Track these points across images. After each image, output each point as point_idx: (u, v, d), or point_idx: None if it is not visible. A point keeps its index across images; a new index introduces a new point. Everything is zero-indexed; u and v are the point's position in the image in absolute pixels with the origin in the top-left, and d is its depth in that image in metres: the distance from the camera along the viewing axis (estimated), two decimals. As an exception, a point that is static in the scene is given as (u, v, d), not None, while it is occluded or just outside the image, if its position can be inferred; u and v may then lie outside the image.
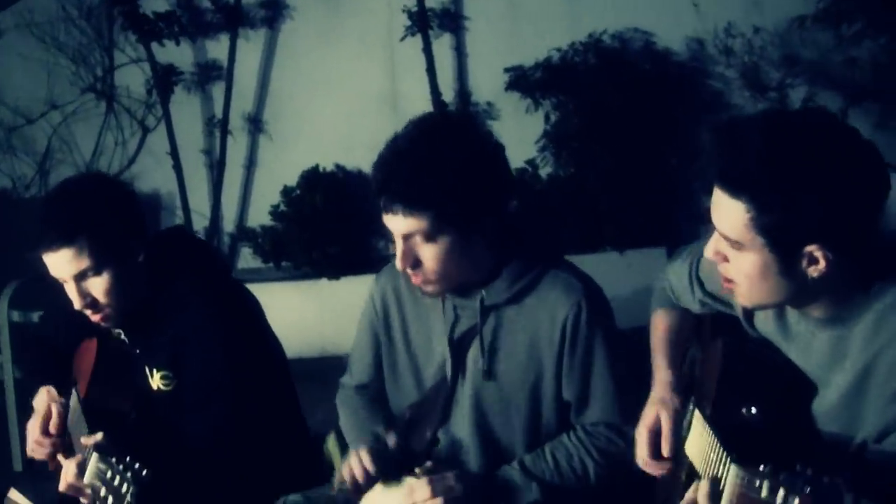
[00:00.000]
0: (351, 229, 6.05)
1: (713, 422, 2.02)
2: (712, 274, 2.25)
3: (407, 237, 2.38)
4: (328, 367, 2.98)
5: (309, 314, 5.74)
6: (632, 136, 5.81)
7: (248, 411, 2.65)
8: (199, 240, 2.98)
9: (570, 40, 5.93)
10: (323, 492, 2.68)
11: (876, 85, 5.59)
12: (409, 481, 2.49)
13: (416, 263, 2.41)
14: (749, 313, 2.15)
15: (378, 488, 2.53)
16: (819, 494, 1.64)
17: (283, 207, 6.03)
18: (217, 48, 6.29)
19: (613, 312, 2.53)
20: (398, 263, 2.41)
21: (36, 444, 2.83)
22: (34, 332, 3.16)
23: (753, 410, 1.99)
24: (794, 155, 1.82)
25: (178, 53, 6.19)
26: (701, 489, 1.86)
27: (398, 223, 2.36)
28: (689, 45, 6.01)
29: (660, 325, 2.44)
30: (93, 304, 2.64)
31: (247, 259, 6.30)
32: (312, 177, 6.05)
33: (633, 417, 2.38)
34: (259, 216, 6.23)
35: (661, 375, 2.35)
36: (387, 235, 6.46)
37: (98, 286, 2.62)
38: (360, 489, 2.53)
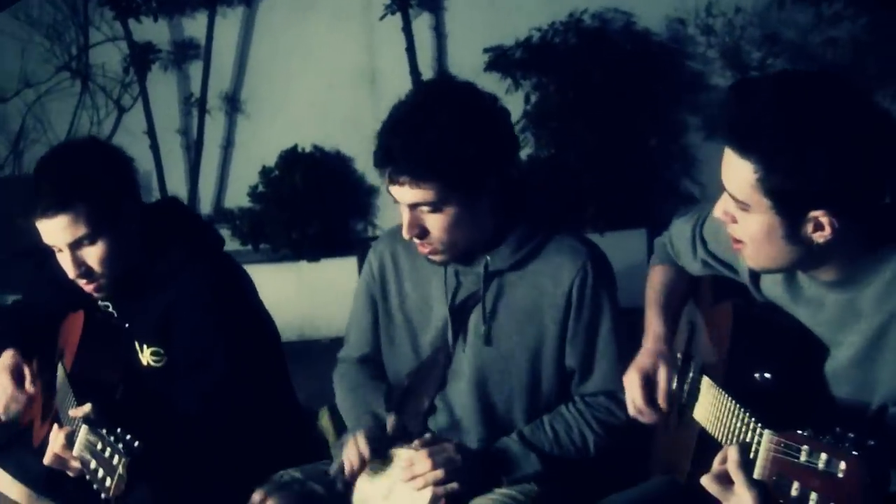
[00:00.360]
0: (330, 210, 6.01)
1: (731, 388, 2.00)
2: (718, 234, 2.25)
3: (413, 207, 2.36)
4: (307, 350, 2.97)
5: (288, 296, 5.69)
6: (612, 117, 5.80)
7: (239, 383, 2.62)
8: (193, 212, 2.94)
9: (550, 20, 5.89)
10: (319, 467, 2.67)
11: (856, 65, 5.58)
12: (408, 454, 2.47)
13: (424, 232, 2.40)
14: (756, 276, 2.14)
15: (374, 464, 2.52)
16: (867, 457, 1.60)
17: (261, 188, 5.98)
18: (194, 26, 6.22)
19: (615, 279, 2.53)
20: (405, 233, 2.40)
21: (10, 400, 2.79)
22: (13, 305, 3.10)
23: (767, 376, 1.97)
24: (806, 117, 1.81)
25: (154, 31, 6.12)
26: (730, 457, 1.83)
27: (404, 194, 2.35)
28: (670, 24, 5.97)
29: (656, 280, 2.43)
30: (88, 272, 2.60)
31: (225, 241, 6.24)
32: (291, 157, 6.00)
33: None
34: (237, 197, 6.18)
35: (655, 328, 2.34)
36: (366, 217, 6.41)
37: (94, 254, 2.59)
38: (356, 476, 2.51)
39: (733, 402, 1.96)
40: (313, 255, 5.85)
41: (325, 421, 3.29)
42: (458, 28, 6.18)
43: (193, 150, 6.19)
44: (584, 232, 5.72)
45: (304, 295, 5.78)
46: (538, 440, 2.50)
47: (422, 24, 6.10)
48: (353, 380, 2.74)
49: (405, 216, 2.39)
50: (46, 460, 2.52)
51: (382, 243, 2.70)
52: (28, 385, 2.79)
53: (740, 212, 1.93)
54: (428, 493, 2.47)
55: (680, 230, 2.40)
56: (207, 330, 2.63)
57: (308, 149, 6.08)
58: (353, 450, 2.51)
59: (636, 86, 5.84)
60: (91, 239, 2.57)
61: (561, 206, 5.79)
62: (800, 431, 1.70)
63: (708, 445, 2.10)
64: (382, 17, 5.91)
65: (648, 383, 2.28)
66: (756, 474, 1.77)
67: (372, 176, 6.26)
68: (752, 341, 2.08)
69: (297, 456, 2.73)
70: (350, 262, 5.88)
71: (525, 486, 2.50)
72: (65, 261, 2.61)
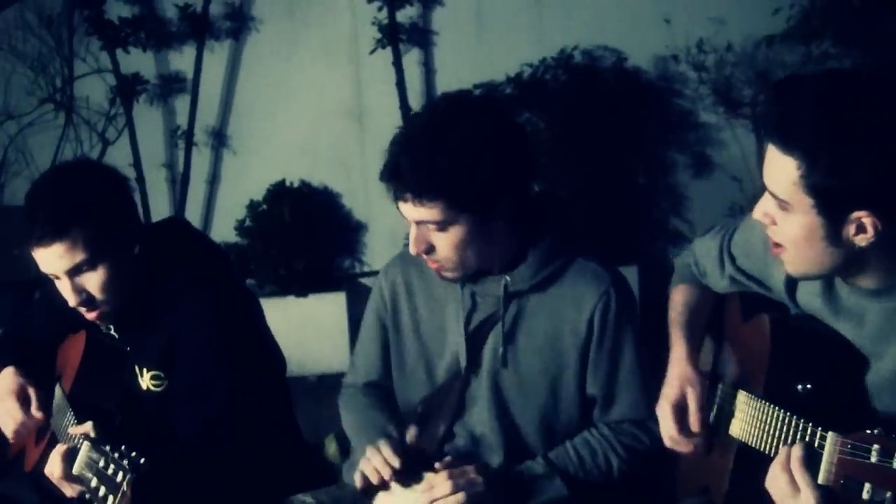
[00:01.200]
0: (318, 246, 5.96)
1: (773, 400, 1.95)
2: (747, 249, 2.20)
3: (419, 223, 2.31)
4: (294, 388, 2.89)
5: (274, 332, 5.61)
6: (602, 154, 5.80)
7: (241, 411, 2.54)
8: (199, 232, 2.85)
9: (540, 56, 5.89)
10: (331, 492, 2.59)
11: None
12: (429, 476, 2.40)
13: (430, 249, 2.34)
14: (792, 287, 2.09)
15: (395, 487, 2.44)
16: None
17: (248, 222, 5.91)
18: (180, 60, 6.17)
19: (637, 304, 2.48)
20: (411, 249, 2.34)
21: (19, 426, 2.69)
22: (6, 331, 3.01)
23: (809, 386, 1.92)
24: (852, 114, 1.77)
25: (140, 64, 6.07)
26: (794, 455, 1.78)
27: (409, 211, 2.29)
28: (659, 62, 5.99)
29: (678, 301, 2.37)
30: (88, 300, 2.51)
31: (233, 261, 6.16)
32: (279, 191, 5.94)
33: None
34: (223, 232, 6.09)
35: (681, 351, 2.27)
36: (354, 254, 6.39)
37: (93, 281, 2.50)
38: (383, 486, 2.43)
39: (782, 411, 1.91)
40: (301, 290, 5.78)
41: (332, 449, 3.21)
42: (448, 63, 6.15)
43: (179, 184, 6.11)
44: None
45: (291, 331, 5.66)
46: (563, 463, 2.43)
47: (411, 59, 6.08)
48: (360, 402, 2.66)
49: (412, 232, 2.34)
50: (47, 471, 2.42)
51: (394, 267, 2.63)
52: (35, 410, 2.69)
53: (781, 212, 1.88)
54: None
55: (705, 248, 2.35)
56: (210, 357, 2.55)
57: (296, 184, 6.02)
58: (377, 458, 2.42)
59: (626, 123, 5.85)
60: (90, 265, 2.48)
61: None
62: (869, 431, 1.66)
63: (747, 464, 2.05)
64: (373, 52, 5.89)
65: (680, 411, 2.22)
66: (821, 479, 1.72)
67: (360, 212, 6.22)
68: (791, 353, 2.03)
69: (303, 484, 2.66)
70: (338, 298, 5.82)
71: (550, 506, 2.44)
72: (64, 288, 2.52)
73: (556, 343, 2.42)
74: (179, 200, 6.16)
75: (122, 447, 2.23)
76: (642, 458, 2.41)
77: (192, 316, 2.55)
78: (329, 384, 4.63)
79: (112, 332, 2.71)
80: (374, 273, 5.60)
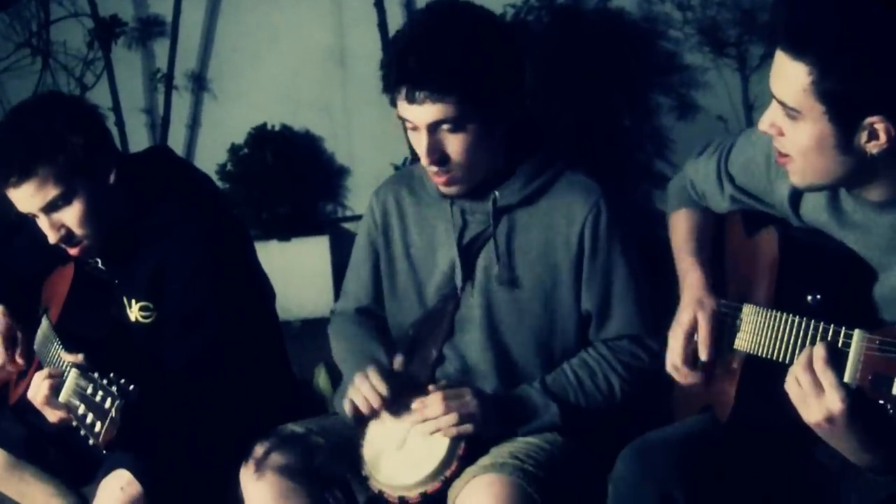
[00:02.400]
0: (300, 190, 5.90)
1: (783, 308, 1.93)
2: (746, 167, 2.17)
3: (433, 128, 2.28)
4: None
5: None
6: (586, 97, 5.74)
7: (232, 341, 2.52)
8: (184, 160, 2.81)
9: (523, -2, 5.82)
10: (322, 421, 2.57)
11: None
12: (421, 399, 2.38)
13: (443, 158, 2.32)
14: (796, 201, 2.06)
15: (385, 416, 2.42)
16: None
17: (229, 167, 5.84)
18: (159, 2, 6.06)
19: (635, 218, 2.46)
20: (424, 159, 2.32)
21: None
22: None
23: (819, 297, 1.91)
24: (865, 15, 1.75)
25: (118, 7, 5.94)
26: (817, 355, 1.76)
27: (423, 113, 2.27)
28: (643, 3, 5.92)
29: (683, 225, 2.35)
30: (68, 236, 2.47)
31: (220, 190, 6.09)
32: (261, 135, 5.87)
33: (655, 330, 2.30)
34: (204, 177, 6.03)
35: (693, 276, 2.25)
36: (336, 199, 6.31)
37: (71, 215, 2.45)
38: (373, 414, 2.41)
39: (797, 317, 1.89)
40: (284, 235, 5.73)
41: (321, 379, 3.19)
42: (431, 5, 6.06)
43: (160, 129, 6.03)
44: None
45: (274, 276, 5.54)
46: (560, 388, 2.41)
47: (393, 0, 6.00)
48: (350, 330, 2.64)
49: (424, 142, 2.31)
50: (30, 394, 2.39)
51: (385, 189, 2.62)
52: (18, 356, 2.66)
53: (790, 121, 1.86)
54: (445, 443, 2.38)
55: (702, 171, 2.32)
56: (200, 287, 2.52)
57: (278, 128, 5.95)
58: (365, 385, 2.39)
59: (610, 65, 5.77)
60: (65, 199, 2.44)
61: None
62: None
63: (755, 376, 2.04)
64: (355, -8, 5.81)
65: (691, 341, 2.20)
66: (847, 377, 1.71)
67: (342, 156, 6.16)
68: (799, 264, 2.02)
69: (293, 415, 2.64)
70: (322, 242, 5.77)
71: (548, 434, 2.42)
72: (43, 226, 2.48)
73: (549, 257, 2.40)
74: (160, 145, 6.06)
75: (112, 374, 2.21)
76: (643, 376, 2.40)
77: (180, 245, 2.52)
78: (313, 328, 4.60)
79: (99, 265, 2.67)
80: (358, 217, 5.55)
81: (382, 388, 2.38)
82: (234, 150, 5.85)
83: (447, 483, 2.35)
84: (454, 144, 2.31)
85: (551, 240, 2.39)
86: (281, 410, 2.63)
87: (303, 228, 5.82)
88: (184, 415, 2.44)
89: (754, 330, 2.03)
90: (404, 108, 2.30)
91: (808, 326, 1.87)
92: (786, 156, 1.92)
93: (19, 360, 2.67)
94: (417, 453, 2.40)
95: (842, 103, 1.78)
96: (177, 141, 6.12)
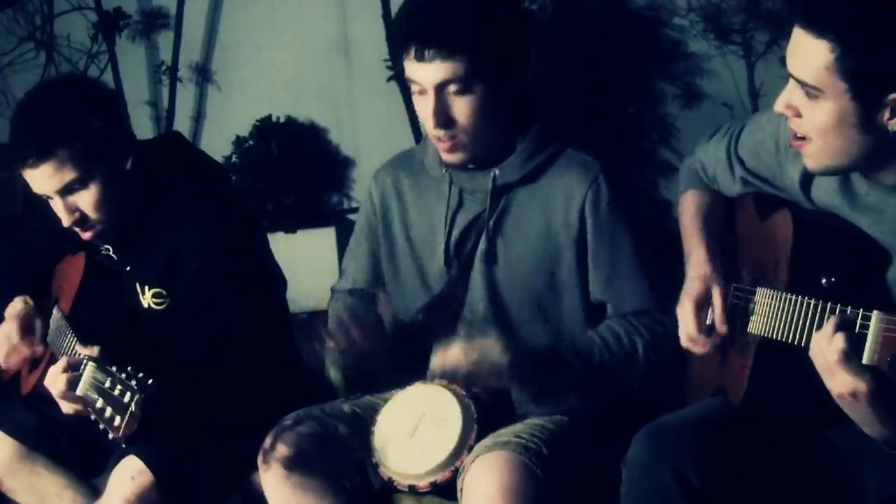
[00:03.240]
0: (306, 181, 5.89)
1: (797, 291, 1.93)
2: (756, 150, 2.17)
3: (440, 88, 2.29)
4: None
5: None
6: (590, 84, 5.71)
7: (244, 328, 2.52)
8: (196, 148, 2.81)
9: (527, -15, 5.81)
10: (337, 406, 2.57)
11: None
12: (443, 350, 2.36)
13: (449, 122, 2.32)
14: (807, 184, 2.05)
15: (395, 402, 2.42)
16: None
17: (235, 159, 5.83)
18: (162, -5, 6.07)
19: (637, 192, 2.46)
20: (430, 121, 2.32)
21: (12, 350, 2.65)
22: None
23: (833, 280, 1.90)
24: None
25: (121, 0, 5.93)
26: (835, 340, 1.74)
27: (432, 71, 2.29)
28: (648, -10, 5.92)
29: (690, 206, 2.35)
30: (82, 219, 2.47)
31: (231, 177, 6.08)
32: (266, 126, 5.85)
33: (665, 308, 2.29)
34: (209, 169, 6.02)
35: (697, 254, 2.25)
36: (342, 189, 6.28)
37: (86, 199, 2.45)
38: (347, 360, 2.39)
39: (813, 299, 1.88)
40: (290, 226, 5.72)
41: (333, 372, 3.19)
42: (435, -5, 6.05)
43: (165, 122, 6.02)
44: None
45: (281, 268, 5.64)
46: (586, 346, 2.39)
47: (397, -9, 6.00)
48: (345, 307, 2.64)
49: (430, 105, 2.32)
50: (47, 382, 2.38)
51: (384, 172, 2.64)
52: (37, 342, 2.65)
53: (809, 101, 1.84)
54: (457, 432, 2.38)
55: (712, 154, 2.32)
56: (212, 274, 2.52)
57: (283, 119, 5.95)
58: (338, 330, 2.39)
59: (614, 53, 5.74)
60: (81, 183, 2.45)
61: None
62: None
63: (769, 359, 2.03)
64: (358, -17, 5.80)
65: (702, 310, 2.19)
66: (866, 359, 1.70)
67: (347, 147, 6.15)
68: (813, 247, 2.01)
69: (304, 404, 2.63)
70: (328, 234, 5.77)
71: (555, 416, 2.42)
72: (57, 209, 2.48)
73: (549, 236, 2.40)
74: (173, 132, 6.05)
75: (129, 368, 2.21)
76: (665, 341, 2.38)
77: (192, 230, 2.52)
78: (320, 320, 4.60)
79: (111, 253, 2.67)
80: (364, 208, 5.54)
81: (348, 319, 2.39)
82: (239, 142, 5.84)
83: (457, 472, 2.35)
84: (460, 107, 2.32)
85: (551, 219, 2.39)
86: (291, 398, 2.63)
87: (309, 220, 5.82)
88: (197, 402, 2.44)
89: (768, 313, 2.02)
90: (413, 68, 2.32)
91: (823, 309, 1.86)
92: (801, 138, 1.91)
93: (38, 349, 2.66)
94: (428, 442, 2.40)
95: (865, 80, 1.77)
96: (182, 134, 6.12)
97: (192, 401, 2.42)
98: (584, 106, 5.70)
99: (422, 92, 2.33)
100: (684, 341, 2.22)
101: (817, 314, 1.87)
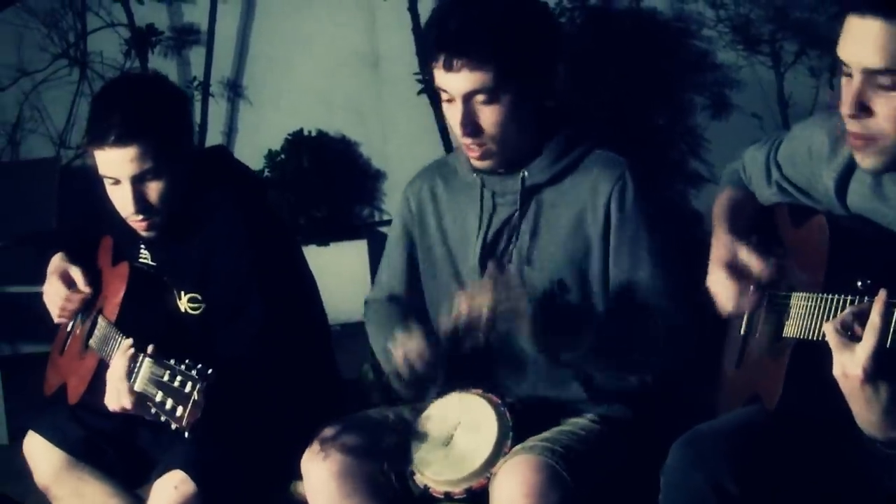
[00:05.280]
0: (337, 194, 5.93)
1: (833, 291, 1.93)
2: (793, 158, 2.18)
3: (468, 98, 2.32)
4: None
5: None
6: (619, 96, 5.73)
7: (277, 332, 2.54)
8: (240, 162, 2.86)
9: (556, -1, 5.83)
10: (379, 415, 2.59)
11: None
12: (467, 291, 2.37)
13: (478, 130, 2.35)
14: (843, 190, 2.05)
15: (432, 411, 2.44)
16: None
17: (267, 173, 5.88)
18: (194, 11, 6.12)
19: (663, 193, 2.47)
20: (460, 130, 2.35)
21: (65, 301, 2.71)
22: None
23: (869, 282, 1.90)
24: None
25: (153, 16, 6.02)
26: (875, 314, 1.74)
27: (460, 81, 2.31)
28: (674, 4, 5.92)
29: (723, 200, 2.37)
30: (147, 208, 2.52)
31: (267, 189, 6.12)
32: (297, 140, 5.91)
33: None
34: (242, 183, 6.06)
35: (722, 231, 2.25)
36: (373, 202, 6.32)
37: (154, 190, 2.52)
38: (412, 380, 2.41)
39: (848, 297, 1.88)
40: (322, 239, 5.76)
41: (368, 374, 3.21)
42: (465, 8, 6.07)
43: (197, 136, 6.08)
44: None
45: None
46: (605, 317, 2.42)
47: (426, 5, 6.02)
48: (384, 315, 2.67)
49: (458, 113, 2.35)
50: (109, 373, 2.41)
51: (420, 179, 2.67)
52: (81, 286, 2.70)
53: (884, 93, 1.79)
54: (492, 440, 2.39)
55: (753, 157, 2.35)
56: (242, 273, 2.56)
57: (314, 133, 5.99)
58: (401, 348, 2.40)
59: (643, 64, 5.78)
60: (155, 174, 2.51)
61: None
62: None
63: (804, 363, 2.04)
64: (387, -2, 5.83)
65: (734, 271, 2.19)
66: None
67: (377, 160, 6.19)
68: (849, 251, 2.01)
69: (341, 414, 2.65)
70: (360, 246, 5.81)
71: (584, 422, 2.43)
72: (124, 194, 2.52)
73: (579, 232, 2.42)
74: (219, 145, 6.11)
75: (187, 360, 2.24)
76: (680, 338, 2.38)
77: (223, 234, 2.57)
78: (351, 332, 4.62)
79: (149, 260, 2.71)
80: (395, 220, 5.57)
81: (421, 346, 2.39)
82: (271, 155, 5.90)
83: (491, 479, 2.37)
84: (488, 116, 2.34)
85: (580, 215, 2.41)
86: (329, 407, 2.66)
87: (340, 232, 5.88)
88: (239, 405, 2.47)
89: (804, 315, 2.03)
90: (441, 77, 2.34)
91: (860, 302, 1.87)
92: (869, 138, 1.87)
93: (83, 289, 2.71)
94: (464, 450, 2.42)
95: None
96: (227, 147, 6.17)
97: (235, 404, 2.45)
98: (613, 117, 5.72)
99: (450, 100, 2.37)
100: (728, 306, 2.20)
101: (840, 307, 1.88)
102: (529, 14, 2.37)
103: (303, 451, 2.51)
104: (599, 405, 2.49)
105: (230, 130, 6.28)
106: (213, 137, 6.15)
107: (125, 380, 2.36)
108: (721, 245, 2.25)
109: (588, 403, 2.49)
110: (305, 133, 5.95)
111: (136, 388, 2.35)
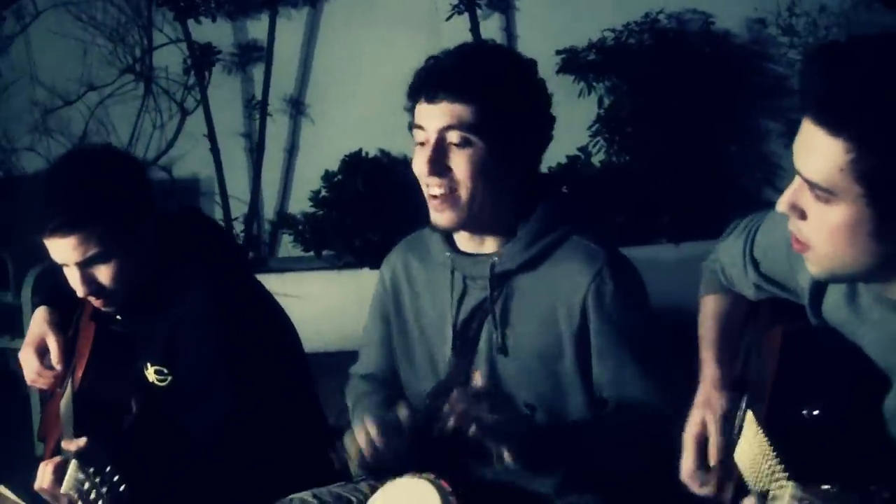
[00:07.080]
0: (394, 217, 5.84)
1: (768, 425, 1.78)
2: (769, 252, 1.99)
3: (442, 132, 2.21)
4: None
5: (348, 305, 5.53)
6: (689, 122, 5.57)
7: (250, 407, 2.45)
8: (214, 222, 2.77)
9: (624, 20, 5.68)
10: (335, 490, 2.50)
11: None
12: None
13: (444, 169, 2.24)
14: (818, 298, 1.87)
15: (392, 486, 2.34)
16: None
17: (324, 193, 5.82)
18: (257, 28, 6.11)
19: (645, 285, 2.33)
20: (423, 168, 2.25)
21: (36, 376, 2.66)
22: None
23: (816, 412, 1.73)
24: None
25: (216, 33, 6.02)
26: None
27: (437, 114, 2.24)
28: (750, 26, 5.74)
29: (708, 314, 2.17)
30: (98, 290, 2.45)
31: (287, 247, 6.11)
32: (355, 161, 5.84)
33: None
34: (300, 203, 6.05)
35: (709, 371, 2.08)
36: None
37: (104, 273, 2.43)
38: (367, 466, 2.31)
39: (766, 442, 1.73)
40: (376, 262, 5.67)
41: (349, 442, 3.13)
42: (529, 29, 5.97)
43: (256, 154, 6.07)
44: (658, 242, 5.60)
45: (366, 304, 5.60)
46: (583, 425, 2.28)
47: (491, 25, 5.92)
48: (360, 393, 2.58)
49: (427, 150, 2.24)
50: (36, 486, 2.40)
51: (395, 254, 2.58)
52: (55, 360, 2.63)
53: (817, 204, 1.65)
54: None
55: (730, 254, 2.12)
56: (210, 359, 2.47)
57: (373, 153, 5.92)
58: (361, 434, 2.29)
59: (714, 89, 5.59)
60: (103, 257, 2.41)
61: (634, 215, 5.59)
62: (825, 486, 1.55)
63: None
64: (449, 18, 5.73)
65: (703, 447, 2.04)
66: None
67: (437, 182, 6.10)
68: (801, 371, 1.82)
69: (316, 478, 2.55)
70: (413, 271, 5.71)
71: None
72: (73, 278, 2.45)
73: (552, 326, 2.28)
74: (255, 170, 6.11)
75: (107, 469, 2.19)
76: (669, 425, 2.24)
77: (192, 314, 2.48)
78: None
79: (119, 318, 2.64)
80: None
81: (376, 436, 2.28)
82: (328, 176, 5.83)
83: None
84: (459, 160, 2.22)
85: (554, 308, 2.28)
86: (308, 471, 2.56)
87: (395, 256, 5.77)
88: (204, 479, 2.39)
89: (746, 445, 1.87)
90: (419, 112, 2.26)
91: (769, 458, 1.75)
92: (803, 243, 1.74)
93: (56, 366, 2.64)
94: None
95: (884, 184, 1.59)
96: (273, 166, 6.17)
97: (200, 477, 2.38)
98: (683, 145, 5.55)
99: (423, 143, 2.27)
100: (684, 477, 2.05)
101: (765, 463, 1.73)
102: (518, 66, 2.31)
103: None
104: (569, 496, 2.35)
105: (291, 147, 6.26)
106: (274, 155, 6.13)
107: (56, 486, 2.32)
108: (698, 400, 2.07)
109: (555, 496, 2.35)
110: (363, 154, 5.87)
111: (63, 490, 2.33)
